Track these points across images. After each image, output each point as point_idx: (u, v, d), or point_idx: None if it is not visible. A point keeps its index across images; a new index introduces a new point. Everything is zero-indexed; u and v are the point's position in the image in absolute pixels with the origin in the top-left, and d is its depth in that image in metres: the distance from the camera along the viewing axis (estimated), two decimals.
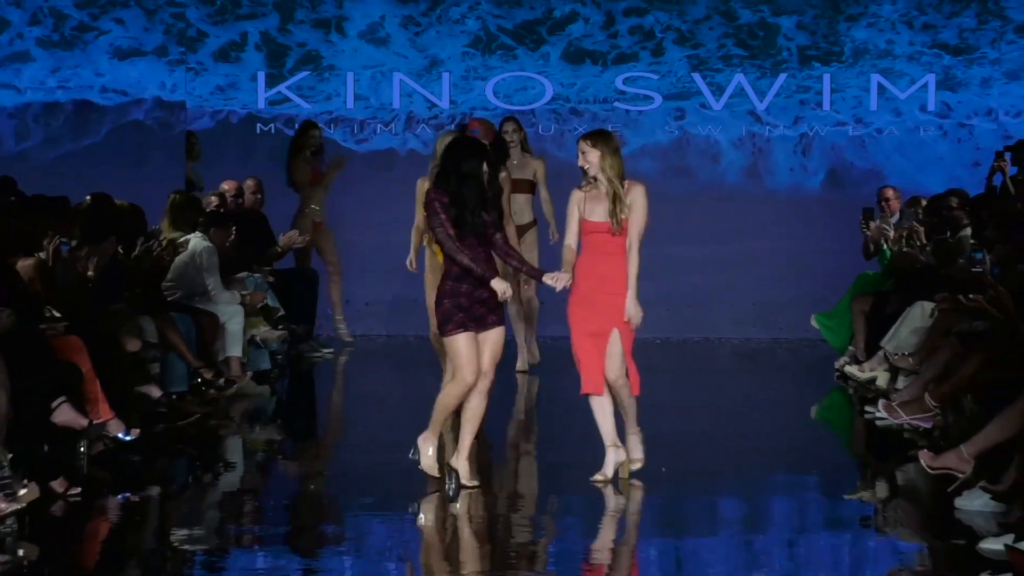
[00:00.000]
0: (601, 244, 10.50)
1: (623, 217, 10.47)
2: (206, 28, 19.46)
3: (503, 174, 12.86)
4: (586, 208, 10.51)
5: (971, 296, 10.63)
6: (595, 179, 10.48)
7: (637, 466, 10.66)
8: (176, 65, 19.38)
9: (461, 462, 10.27)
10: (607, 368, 10.44)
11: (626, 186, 10.49)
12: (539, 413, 14.32)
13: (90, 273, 11.83)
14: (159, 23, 19.37)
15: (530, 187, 15.52)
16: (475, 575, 8.54)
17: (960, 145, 19.26)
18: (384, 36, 19.46)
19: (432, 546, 9.31)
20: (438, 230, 10.20)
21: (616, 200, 10.45)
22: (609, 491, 10.26)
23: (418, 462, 10.35)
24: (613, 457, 10.53)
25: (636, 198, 10.49)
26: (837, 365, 15.34)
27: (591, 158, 10.46)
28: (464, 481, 10.23)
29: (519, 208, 14.96)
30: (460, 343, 10.19)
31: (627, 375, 10.52)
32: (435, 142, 12.97)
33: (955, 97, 19.33)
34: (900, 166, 19.17)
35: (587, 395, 10.53)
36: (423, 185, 12.11)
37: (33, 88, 19.36)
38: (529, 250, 14.87)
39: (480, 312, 10.22)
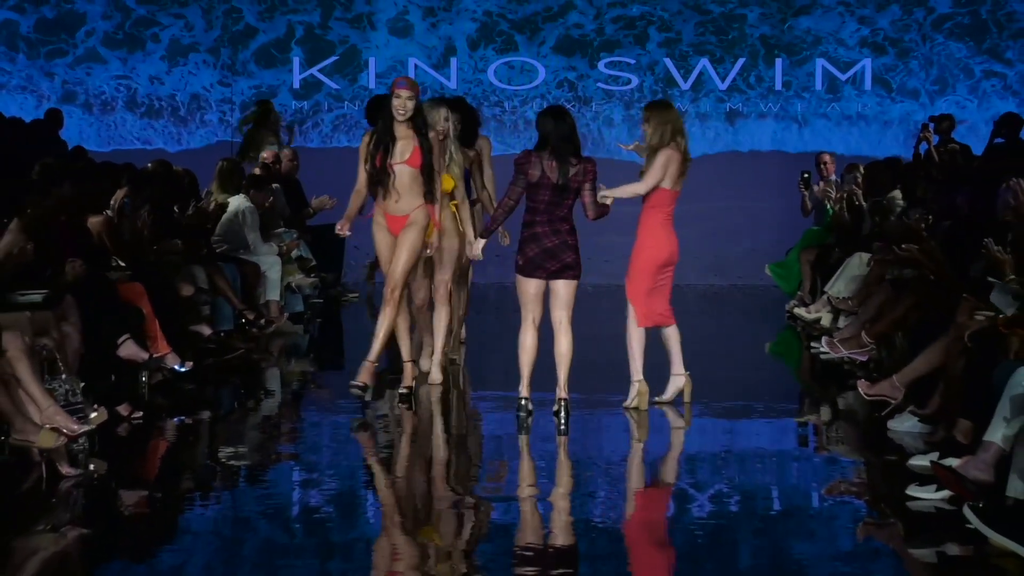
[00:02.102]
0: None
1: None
2: (256, 24, 19.41)
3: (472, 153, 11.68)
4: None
5: (904, 246, 10.60)
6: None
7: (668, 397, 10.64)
8: (225, 69, 19.33)
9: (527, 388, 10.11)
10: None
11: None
12: None
13: (146, 233, 11.82)
14: (215, 19, 19.29)
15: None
16: (482, 489, 8.52)
17: (891, 118, 19.24)
18: (406, 27, 19.40)
19: (452, 462, 9.28)
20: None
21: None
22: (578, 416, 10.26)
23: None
24: (636, 389, 10.42)
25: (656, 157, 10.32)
26: (787, 307, 15.34)
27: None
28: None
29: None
30: None
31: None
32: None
33: (886, 76, 19.31)
34: (839, 135, 19.12)
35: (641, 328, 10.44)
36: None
37: (100, 86, 19.33)
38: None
39: None
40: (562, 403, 9.99)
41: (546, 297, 10.11)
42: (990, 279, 8.75)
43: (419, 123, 10.35)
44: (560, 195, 9.92)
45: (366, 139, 10.45)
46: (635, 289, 10.40)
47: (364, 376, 10.35)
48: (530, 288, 10.07)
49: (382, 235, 10.50)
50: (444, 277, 11.27)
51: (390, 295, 10.37)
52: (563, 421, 9.89)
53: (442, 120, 11.00)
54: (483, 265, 12.60)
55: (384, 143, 10.29)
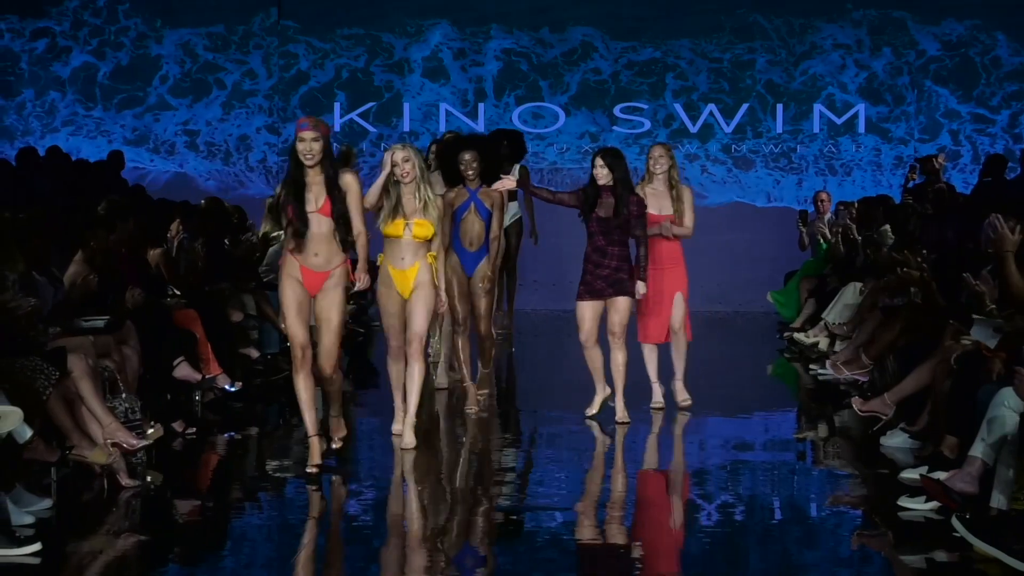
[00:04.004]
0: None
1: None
2: (309, 71, 19.49)
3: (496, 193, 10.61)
4: (649, 203, 10.69)
5: (904, 269, 10.66)
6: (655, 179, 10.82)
7: (686, 404, 11.05)
8: (277, 113, 19.39)
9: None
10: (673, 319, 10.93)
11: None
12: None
13: (200, 265, 11.84)
14: (274, 66, 19.38)
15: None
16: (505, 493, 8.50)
17: (881, 160, 19.22)
18: (439, 72, 19.45)
19: (478, 476, 9.27)
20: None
21: (677, 197, 10.61)
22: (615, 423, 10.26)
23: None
24: (658, 389, 11.00)
25: (688, 199, 10.88)
26: (787, 332, 15.32)
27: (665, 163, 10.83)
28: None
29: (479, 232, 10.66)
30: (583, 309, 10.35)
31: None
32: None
33: (878, 122, 19.29)
34: (833, 175, 19.09)
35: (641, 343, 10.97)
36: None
37: (166, 132, 19.42)
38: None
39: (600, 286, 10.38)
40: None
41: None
42: (974, 316, 8.73)
43: (327, 167, 8.47)
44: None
45: (278, 190, 8.73)
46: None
47: (316, 458, 8.72)
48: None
49: (292, 287, 8.61)
50: (418, 331, 9.44)
51: (330, 370, 8.68)
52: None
53: (401, 159, 9.36)
54: (531, 292, 12.43)
55: (293, 191, 8.46)
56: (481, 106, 19.32)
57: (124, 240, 10.51)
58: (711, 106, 19.25)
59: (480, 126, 19.06)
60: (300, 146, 8.39)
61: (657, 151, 10.90)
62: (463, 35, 19.40)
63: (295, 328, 8.58)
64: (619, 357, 10.40)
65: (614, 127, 19.22)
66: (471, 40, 19.41)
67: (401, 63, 19.42)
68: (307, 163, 8.39)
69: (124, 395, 8.93)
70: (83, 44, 19.33)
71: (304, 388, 8.62)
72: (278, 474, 9.09)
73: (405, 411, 9.54)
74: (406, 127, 19.20)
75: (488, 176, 10.61)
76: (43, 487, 7.80)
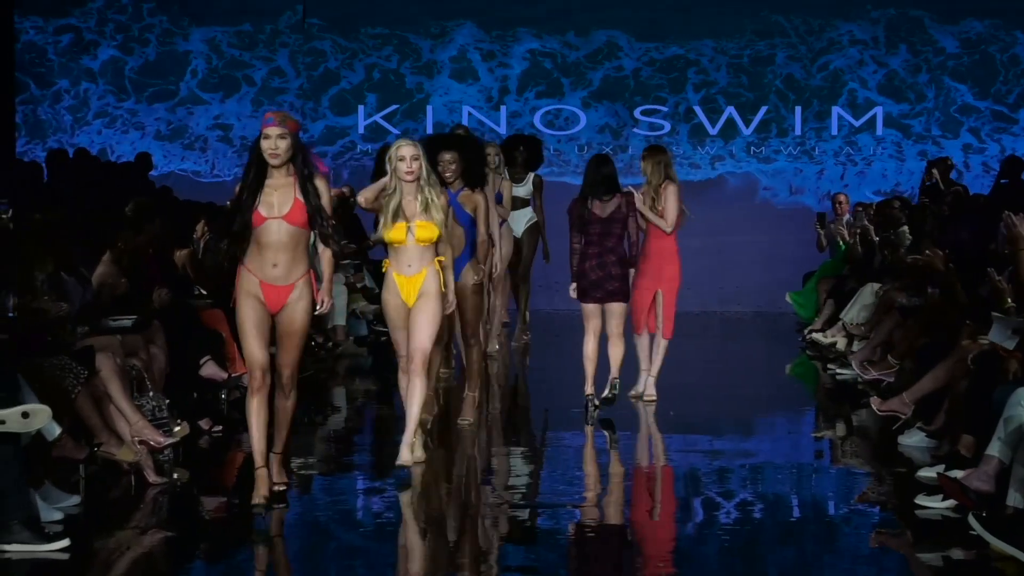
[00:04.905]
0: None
1: (659, 209, 11.03)
2: (337, 70, 19.47)
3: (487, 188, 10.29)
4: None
5: (928, 252, 10.70)
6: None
7: (650, 399, 11.13)
8: (309, 115, 19.36)
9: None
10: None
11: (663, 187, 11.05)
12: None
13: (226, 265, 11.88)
14: (300, 65, 19.37)
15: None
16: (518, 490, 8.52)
17: (898, 162, 19.16)
18: (466, 71, 19.43)
19: (497, 473, 9.29)
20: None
21: (654, 198, 10.73)
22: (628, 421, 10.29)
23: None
24: (645, 378, 11.15)
25: (668, 196, 11.01)
26: (806, 333, 15.33)
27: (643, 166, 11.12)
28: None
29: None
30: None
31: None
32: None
33: (899, 118, 19.23)
34: (850, 176, 19.04)
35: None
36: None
37: (197, 126, 19.38)
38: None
39: None
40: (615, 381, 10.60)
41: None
42: (994, 314, 8.72)
43: (300, 166, 7.53)
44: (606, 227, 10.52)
45: (238, 189, 7.61)
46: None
47: (263, 489, 7.70)
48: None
49: (251, 304, 7.52)
50: (421, 347, 8.60)
51: (288, 384, 7.75)
52: (616, 391, 10.56)
53: (410, 156, 8.51)
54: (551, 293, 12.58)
55: (254, 192, 7.46)
56: (503, 106, 19.31)
57: (151, 241, 10.56)
58: (731, 108, 19.19)
59: (502, 125, 19.04)
60: (264, 143, 7.48)
61: (647, 157, 11.21)
62: (489, 37, 19.37)
63: (254, 349, 7.55)
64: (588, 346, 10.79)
65: (635, 129, 19.20)
66: (498, 42, 19.38)
67: (430, 64, 19.38)
68: (272, 163, 7.45)
69: (151, 393, 8.97)
70: (109, 39, 19.34)
71: (256, 414, 7.64)
72: (303, 471, 9.11)
73: (416, 430, 8.74)
74: (430, 128, 19.18)
75: (470, 179, 9.83)
76: (71, 484, 7.84)
